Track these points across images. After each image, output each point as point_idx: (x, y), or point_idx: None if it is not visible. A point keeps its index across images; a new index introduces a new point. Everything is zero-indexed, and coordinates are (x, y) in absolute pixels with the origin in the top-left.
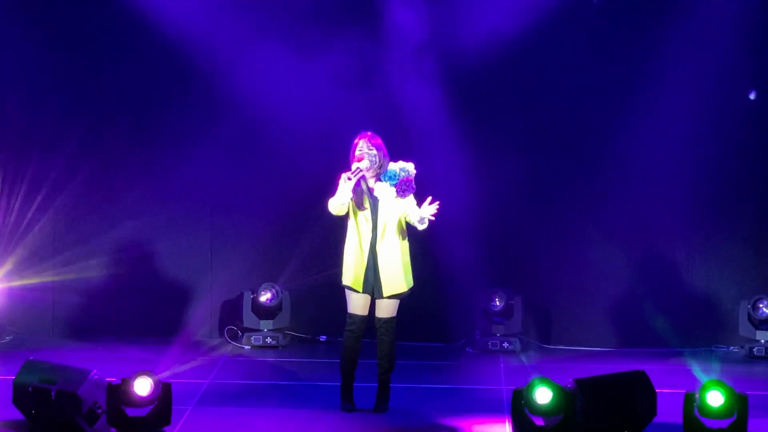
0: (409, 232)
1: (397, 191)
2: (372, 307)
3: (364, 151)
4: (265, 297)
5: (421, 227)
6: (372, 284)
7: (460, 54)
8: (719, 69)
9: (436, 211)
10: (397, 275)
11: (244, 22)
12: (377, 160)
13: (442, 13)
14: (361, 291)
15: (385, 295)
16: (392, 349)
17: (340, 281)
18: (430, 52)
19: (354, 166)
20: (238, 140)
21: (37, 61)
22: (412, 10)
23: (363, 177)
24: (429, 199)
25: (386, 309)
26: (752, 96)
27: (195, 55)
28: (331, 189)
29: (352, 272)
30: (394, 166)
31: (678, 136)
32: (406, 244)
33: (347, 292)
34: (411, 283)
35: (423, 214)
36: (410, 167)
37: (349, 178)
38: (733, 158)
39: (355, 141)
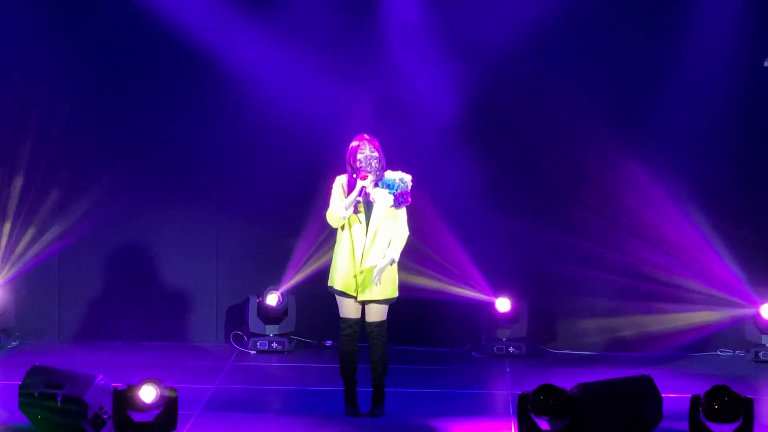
0: (419, 238)
1: (394, 201)
2: (363, 310)
3: (366, 153)
4: (270, 302)
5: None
6: (357, 288)
7: (466, 55)
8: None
9: (389, 264)
10: (378, 282)
11: (261, 29)
12: (378, 167)
13: (450, 13)
14: (355, 295)
15: (359, 298)
16: (384, 353)
17: (328, 285)
18: (435, 52)
19: (359, 184)
20: (244, 145)
21: (50, 59)
22: (418, 8)
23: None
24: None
25: (376, 313)
26: (767, 64)
27: (204, 56)
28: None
29: (343, 277)
30: (394, 176)
31: (696, 136)
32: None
33: (338, 297)
34: (391, 294)
35: (390, 254)
36: (408, 179)
37: (358, 200)
38: (753, 158)
39: (354, 144)
